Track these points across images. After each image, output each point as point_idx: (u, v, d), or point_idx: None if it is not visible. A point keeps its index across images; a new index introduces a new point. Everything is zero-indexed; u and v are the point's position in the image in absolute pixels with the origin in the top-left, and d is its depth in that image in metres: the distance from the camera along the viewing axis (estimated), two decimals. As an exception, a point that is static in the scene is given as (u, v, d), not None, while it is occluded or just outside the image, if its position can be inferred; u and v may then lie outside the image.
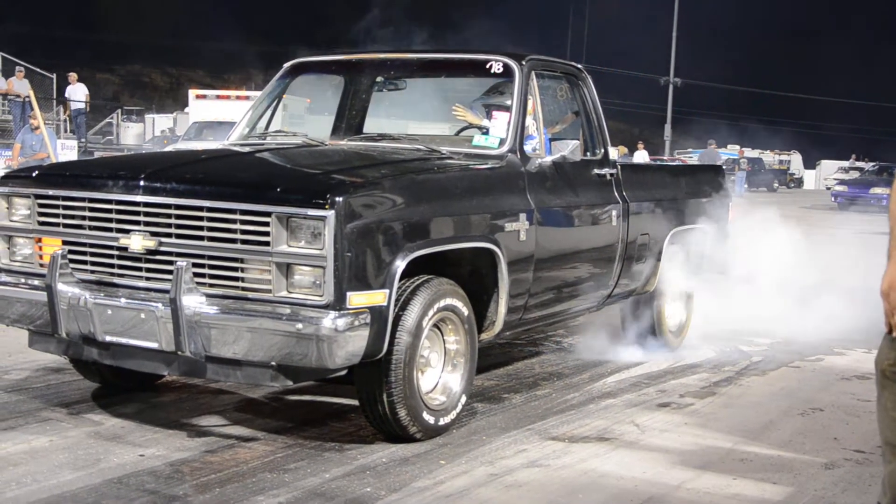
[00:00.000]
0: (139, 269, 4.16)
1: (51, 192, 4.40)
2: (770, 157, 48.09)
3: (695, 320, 6.77)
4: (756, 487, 3.85)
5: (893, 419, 2.26)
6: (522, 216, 4.78)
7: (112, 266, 4.23)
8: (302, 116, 7.46)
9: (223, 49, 57.19)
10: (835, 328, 7.06)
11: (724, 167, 8.52)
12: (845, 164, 45.76)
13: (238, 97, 25.37)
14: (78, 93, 23.48)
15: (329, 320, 3.74)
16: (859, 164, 43.48)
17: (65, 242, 4.34)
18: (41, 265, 4.41)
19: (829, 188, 38.00)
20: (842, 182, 34.04)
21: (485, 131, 5.11)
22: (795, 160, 51.44)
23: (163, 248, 4.07)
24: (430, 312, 4.20)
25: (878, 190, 29.89)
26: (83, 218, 4.30)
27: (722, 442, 4.46)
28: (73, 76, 23.36)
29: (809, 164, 52.34)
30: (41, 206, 4.43)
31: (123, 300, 4.09)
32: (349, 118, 5.95)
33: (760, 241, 7.88)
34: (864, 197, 29.81)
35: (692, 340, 6.63)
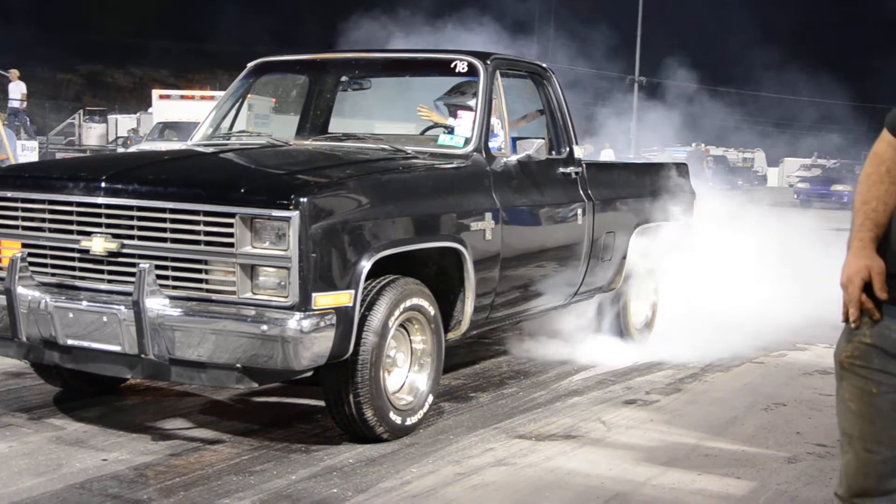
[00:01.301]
0: (101, 271, 4.11)
1: (9, 194, 4.33)
2: (734, 155, 48.57)
3: (660, 317, 6.82)
4: (720, 482, 3.89)
5: (850, 410, 2.30)
6: (488, 215, 4.78)
7: (73, 269, 4.18)
8: (267, 116, 7.43)
9: (187, 48, 56.71)
10: (798, 323, 7.15)
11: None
12: (808, 161, 46.34)
13: (202, 97, 25.16)
14: (15, 91, 22.74)
15: (294, 322, 3.73)
16: (821, 161, 44.05)
17: (24, 245, 4.28)
18: (0, 268, 4.34)
19: (791, 185, 38.50)
20: (804, 179, 34.50)
21: (450, 131, 5.11)
22: (759, 158, 52.00)
23: (125, 251, 4.03)
24: (397, 312, 4.19)
25: (839, 187, 30.35)
26: (43, 220, 4.24)
27: (687, 438, 4.50)
28: (13, 73, 22.50)
29: (773, 161, 52.93)
30: (0, 208, 4.36)
31: (85, 303, 4.04)
32: (314, 118, 5.93)
33: (724, 239, 7.95)
34: (826, 194, 30.28)
35: (658, 337, 6.67)
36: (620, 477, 3.91)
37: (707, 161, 35.45)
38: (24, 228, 4.30)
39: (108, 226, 4.06)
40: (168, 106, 25.54)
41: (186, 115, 22.31)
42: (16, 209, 4.31)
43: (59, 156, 25.50)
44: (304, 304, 3.76)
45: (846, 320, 2.28)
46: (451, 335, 4.76)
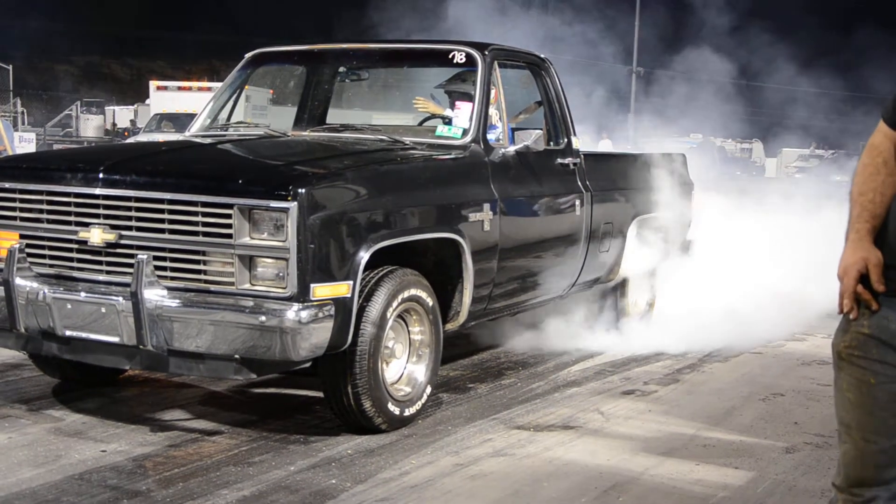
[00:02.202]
0: (99, 262, 4.10)
1: (7, 185, 4.32)
2: (732, 146, 48.49)
3: (659, 307, 6.82)
4: (718, 472, 3.90)
5: (848, 400, 2.30)
6: (486, 206, 4.78)
7: (71, 260, 4.18)
8: (265, 107, 7.42)
9: (184, 39, 56.58)
10: (797, 312, 7.14)
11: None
12: (806, 151, 46.29)
13: (200, 88, 25.13)
14: None
15: (292, 312, 3.73)
16: (819, 152, 44.00)
17: (22, 236, 4.28)
18: (-2, 259, 4.34)
19: (789, 176, 38.47)
20: (802, 170, 34.48)
21: (448, 121, 5.10)
22: (757, 148, 51.91)
23: (123, 242, 4.02)
24: (395, 303, 4.19)
25: (836, 178, 30.31)
26: (41, 211, 4.23)
27: (685, 428, 4.51)
28: None
29: (772, 152, 52.82)
30: (-3, 199, 4.35)
31: (83, 294, 4.04)
32: (312, 109, 5.92)
33: (723, 228, 7.95)
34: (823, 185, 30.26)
35: (656, 327, 6.67)
36: (618, 467, 3.92)
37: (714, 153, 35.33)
38: (22, 219, 4.29)
39: (106, 217, 4.06)
40: (165, 97, 25.51)
41: (184, 106, 22.29)
42: (14, 200, 4.31)
43: (56, 147, 25.46)
44: (302, 295, 3.76)
45: (842, 311, 2.28)
46: (449, 326, 4.76)
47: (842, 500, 2.34)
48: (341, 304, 3.89)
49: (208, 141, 5.14)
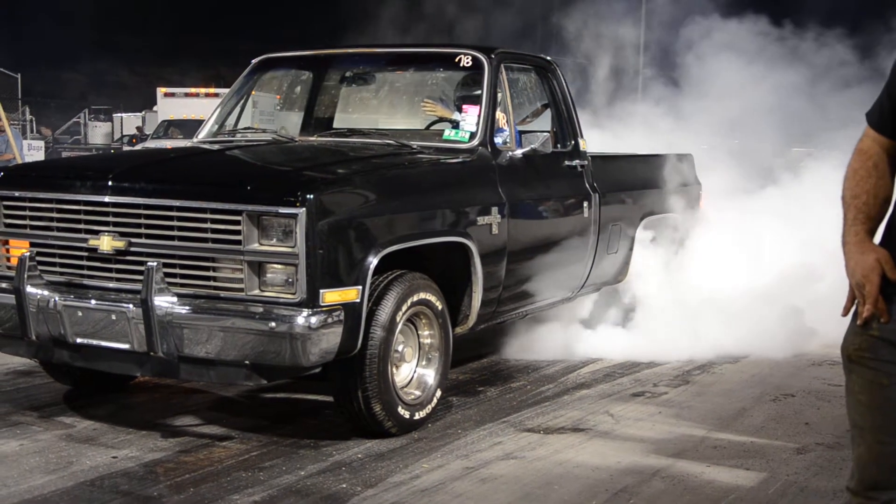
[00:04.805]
0: (109, 270, 4.12)
1: (17, 194, 4.35)
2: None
3: (667, 308, 6.79)
4: (729, 474, 3.89)
5: (861, 402, 2.29)
6: (494, 210, 4.79)
7: (81, 267, 4.19)
8: (272, 113, 7.43)
9: (191, 46, 56.75)
10: (807, 312, 7.11)
11: None
12: (814, 151, 46.12)
13: (207, 94, 25.20)
14: None
15: (302, 318, 3.74)
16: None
17: (33, 244, 4.30)
18: (9, 268, 4.36)
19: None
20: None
21: (455, 125, 5.11)
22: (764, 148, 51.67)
23: (133, 249, 4.04)
24: (404, 307, 4.20)
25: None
26: (51, 219, 4.25)
27: (695, 430, 4.50)
28: None
29: (780, 152, 52.53)
30: (7, 207, 4.38)
31: (94, 302, 4.06)
32: (318, 114, 5.93)
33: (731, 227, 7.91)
34: (833, 185, 30.10)
35: (665, 328, 6.64)
36: (629, 469, 3.92)
37: None
38: (33, 228, 4.31)
39: (116, 224, 4.08)
40: (173, 103, 25.61)
41: (191, 112, 22.38)
42: (24, 209, 4.33)
43: (65, 155, 25.58)
44: (311, 301, 3.77)
45: (863, 317, 2.26)
46: (458, 329, 4.77)
47: (857, 503, 2.33)
48: (351, 309, 3.90)
49: (216, 147, 5.16)
